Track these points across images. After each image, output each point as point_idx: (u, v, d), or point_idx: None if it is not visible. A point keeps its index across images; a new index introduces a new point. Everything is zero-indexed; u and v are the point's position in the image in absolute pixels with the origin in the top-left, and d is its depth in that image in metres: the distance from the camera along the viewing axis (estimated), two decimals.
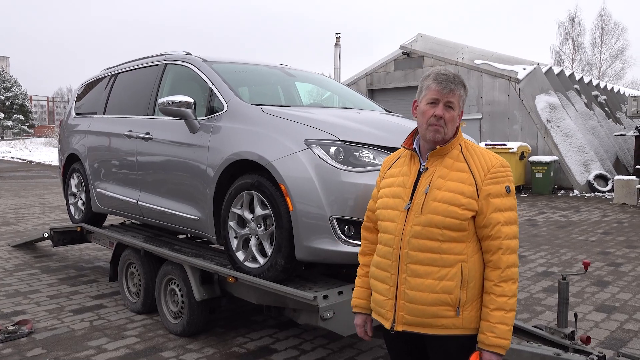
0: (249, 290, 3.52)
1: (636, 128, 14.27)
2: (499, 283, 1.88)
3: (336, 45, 20.22)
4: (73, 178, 5.77)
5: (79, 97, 6.05)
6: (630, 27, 60.19)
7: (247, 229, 3.45)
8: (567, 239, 7.97)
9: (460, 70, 16.00)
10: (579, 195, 13.48)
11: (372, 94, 18.45)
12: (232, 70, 4.26)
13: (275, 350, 3.84)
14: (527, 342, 3.23)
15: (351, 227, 3.03)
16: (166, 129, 4.21)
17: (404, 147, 2.08)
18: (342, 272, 3.66)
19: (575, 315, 3.10)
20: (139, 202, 4.54)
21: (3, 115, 53.69)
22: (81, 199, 5.64)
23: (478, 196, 1.89)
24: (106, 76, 5.57)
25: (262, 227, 3.34)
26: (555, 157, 13.84)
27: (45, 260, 6.55)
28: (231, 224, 3.52)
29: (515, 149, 13.42)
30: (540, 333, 3.22)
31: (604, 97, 18.62)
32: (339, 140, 3.11)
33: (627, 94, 20.93)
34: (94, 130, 5.30)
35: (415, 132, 2.08)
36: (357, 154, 3.09)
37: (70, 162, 5.79)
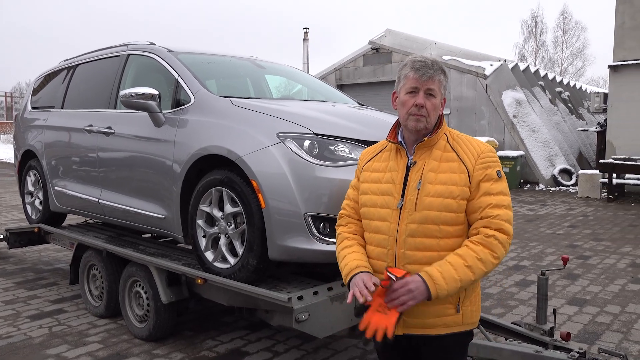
0: (218, 292, 3.36)
1: (598, 124, 14.62)
2: (477, 242, 1.77)
3: (304, 40, 20.06)
4: (29, 176, 5.45)
5: (35, 91, 5.72)
6: (591, 26, 62.03)
7: (216, 227, 3.27)
8: (536, 233, 8.05)
9: None
10: (544, 189, 13.73)
11: (341, 89, 18.36)
12: (199, 61, 4.06)
13: (247, 353, 3.69)
14: (507, 339, 3.17)
15: (327, 224, 2.89)
16: (129, 123, 3.99)
17: (389, 140, 1.96)
18: (317, 270, 3.53)
19: (554, 311, 3.06)
20: (100, 201, 4.30)
21: None
22: (38, 198, 5.34)
23: (470, 183, 1.81)
24: (64, 68, 5.27)
25: (233, 226, 3.18)
26: (521, 152, 14.06)
27: (2, 263, 6.20)
28: (199, 222, 3.34)
29: None
30: (519, 330, 3.17)
31: (567, 93, 19.04)
32: (313, 133, 2.97)
33: (588, 91, 21.47)
34: (52, 125, 5.00)
35: (397, 125, 1.97)
36: (332, 147, 2.96)
37: (27, 159, 5.47)
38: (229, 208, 3.15)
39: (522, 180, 14.31)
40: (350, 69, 18.20)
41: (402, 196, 1.85)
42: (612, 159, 11.90)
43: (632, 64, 12.49)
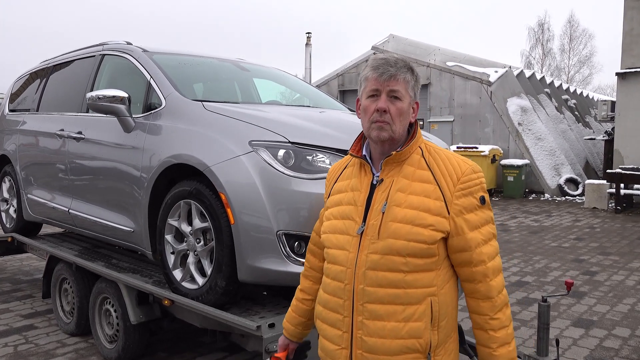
0: (190, 313, 3.06)
1: (606, 132, 14.27)
2: (495, 315, 1.53)
3: (307, 45, 19.82)
4: (4, 182, 5.18)
5: (13, 93, 5.47)
6: (598, 34, 61.55)
7: (185, 244, 2.97)
8: (540, 245, 7.71)
9: (432, 72, 15.78)
10: (550, 199, 13.37)
11: (344, 94, 18.14)
12: (176, 63, 3.78)
13: None
14: None
15: (302, 243, 2.58)
16: (99, 127, 3.71)
17: (351, 154, 1.65)
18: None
19: (557, 341, 2.74)
20: (70, 211, 4.02)
21: None
22: (13, 206, 5.06)
23: (448, 213, 1.50)
24: (42, 69, 5.01)
25: (202, 242, 2.88)
26: (526, 161, 13.72)
27: None
28: (168, 237, 3.04)
29: (487, 152, 13.23)
30: None
31: (573, 101, 18.69)
32: (289, 142, 2.67)
33: (595, 99, 21.12)
34: (26, 129, 4.74)
35: (363, 136, 1.66)
36: (310, 158, 2.66)
37: (1, 165, 5.20)
38: (197, 223, 2.85)
39: (527, 190, 13.95)
40: (352, 74, 17.93)
41: (364, 220, 1.55)
42: (620, 168, 11.53)
43: None
